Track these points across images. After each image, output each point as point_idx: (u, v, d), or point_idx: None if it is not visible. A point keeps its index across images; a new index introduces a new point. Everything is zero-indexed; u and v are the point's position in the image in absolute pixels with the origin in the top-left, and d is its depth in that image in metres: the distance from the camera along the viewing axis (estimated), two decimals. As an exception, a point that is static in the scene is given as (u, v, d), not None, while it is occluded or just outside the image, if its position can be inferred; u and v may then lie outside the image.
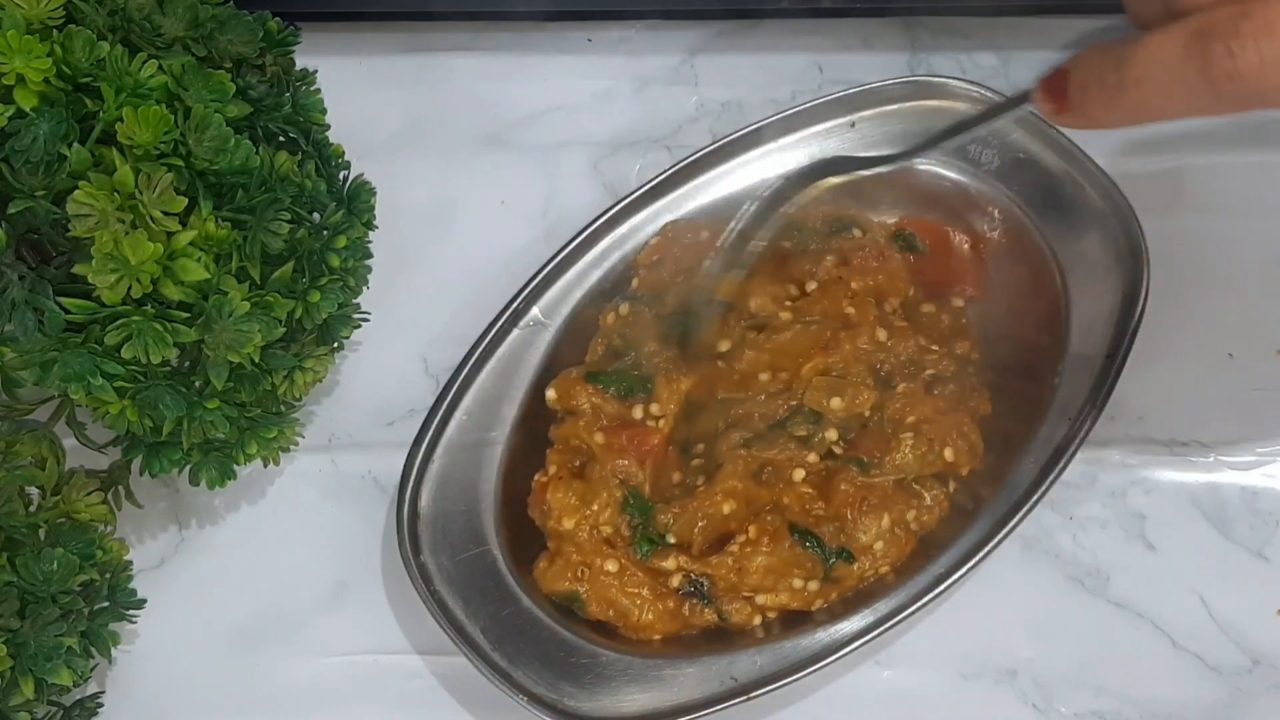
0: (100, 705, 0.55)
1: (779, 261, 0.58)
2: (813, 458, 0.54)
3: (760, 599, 0.53)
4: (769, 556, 0.53)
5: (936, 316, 0.58)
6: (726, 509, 0.53)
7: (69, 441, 0.54)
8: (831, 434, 0.54)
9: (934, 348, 0.56)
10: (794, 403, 0.55)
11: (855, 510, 0.53)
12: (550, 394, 0.57)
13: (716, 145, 0.61)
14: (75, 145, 0.47)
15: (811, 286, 0.58)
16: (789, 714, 0.55)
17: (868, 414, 0.55)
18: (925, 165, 0.60)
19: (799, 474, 0.54)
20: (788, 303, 0.57)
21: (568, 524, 0.54)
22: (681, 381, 0.56)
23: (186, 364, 0.52)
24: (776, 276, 0.58)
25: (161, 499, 0.60)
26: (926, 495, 0.54)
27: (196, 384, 0.51)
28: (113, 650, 0.52)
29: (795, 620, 0.54)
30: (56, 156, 0.47)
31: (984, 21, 0.66)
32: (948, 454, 0.54)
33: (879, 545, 0.53)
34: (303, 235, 0.53)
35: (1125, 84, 0.42)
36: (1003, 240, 0.59)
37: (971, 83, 0.60)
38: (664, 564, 0.53)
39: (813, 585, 0.53)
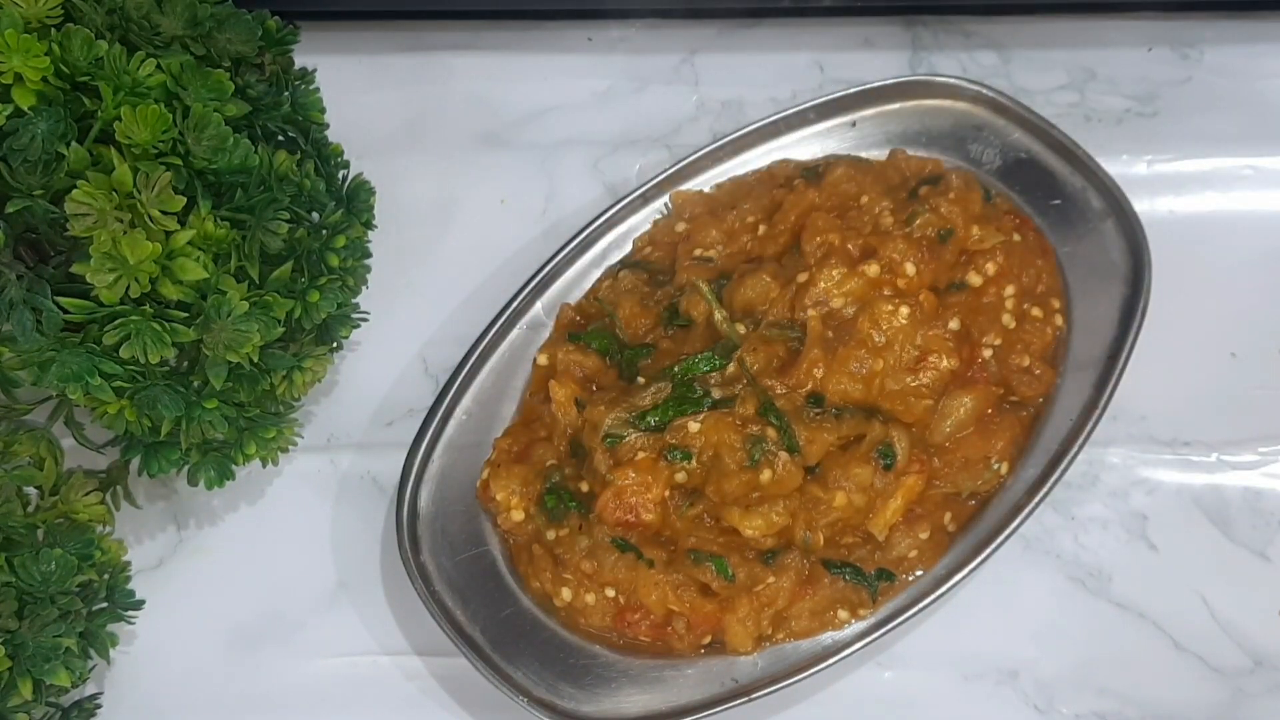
0: (99, 706, 0.55)
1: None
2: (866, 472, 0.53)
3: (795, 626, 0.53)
4: (811, 600, 0.53)
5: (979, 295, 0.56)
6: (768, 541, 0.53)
7: (67, 441, 0.54)
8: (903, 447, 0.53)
9: (996, 342, 0.55)
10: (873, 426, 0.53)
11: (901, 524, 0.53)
12: (542, 359, 0.58)
13: (717, 144, 0.61)
14: (73, 144, 0.47)
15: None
16: (790, 715, 0.55)
17: (947, 431, 0.54)
18: None
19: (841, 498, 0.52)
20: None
21: (516, 516, 0.54)
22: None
23: (185, 364, 0.52)
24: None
25: (160, 499, 0.59)
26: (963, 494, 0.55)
27: (195, 384, 0.51)
28: (111, 651, 0.52)
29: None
30: (54, 155, 0.47)
31: (985, 20, 0.66)
32: (1003, 469, 0.54)
33: (914, 553, 0.53)
34: (301, 235, 0.53)
35: None
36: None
37: (973, 82, 0.60)
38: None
39: (862, 612, 0.53)
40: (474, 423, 0.58)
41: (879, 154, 0.60)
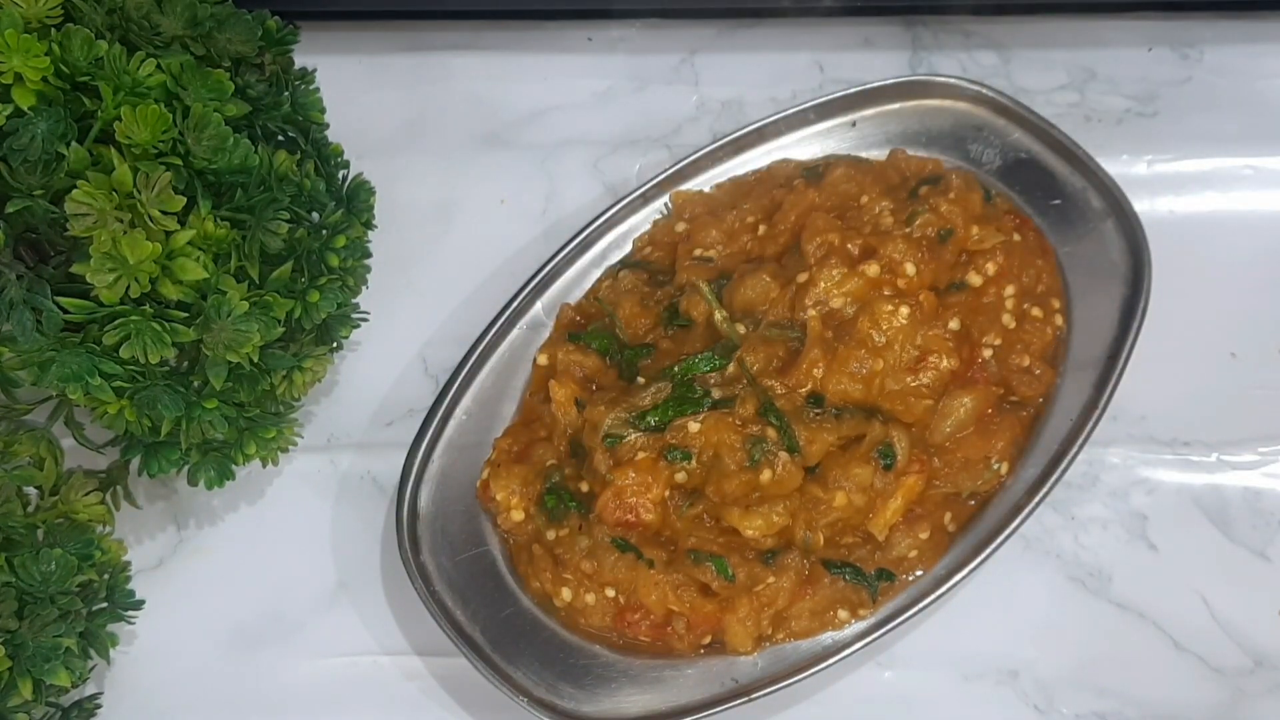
0: (99, 706, 0.55)
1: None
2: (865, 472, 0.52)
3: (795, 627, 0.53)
4: (811, 600, 0.53)
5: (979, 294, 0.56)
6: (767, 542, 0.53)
7: (67, 441, 0.54)
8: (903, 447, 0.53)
9: (996, 342, 0.55)
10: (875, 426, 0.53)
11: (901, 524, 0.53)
12: (542, 359, 0.58)
13: (717, 144, 0.61)
14: (73, 144, 0.47)
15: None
16: (790, 715, 0.55)
17: (948, 431, 0.54)
18: None
19: (841, 498, 0.52)
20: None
21: (516, 516, 0.54)
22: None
23: (185, 364, 0.52)
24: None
25: (160, 499, 0.59)
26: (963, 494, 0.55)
27: (195, 384, 0.51)
28: (111, 651, 0.52)
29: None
30: (54, 155, 0.47)
31: (985, 20, 0.66)
32: (1003, 469, 0.54)
33: (914, 553, 0.53)
34: (301, 235, 0.53)
35: None
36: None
37: (973, 82, 0.60)
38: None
39: (862, 612, 0.53)
40: (474, 423, 0.58)
41: (879, 154, 0.60)
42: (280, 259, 0.52)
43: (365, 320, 0.58)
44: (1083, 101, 0.65)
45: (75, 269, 0.46)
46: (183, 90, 0.49)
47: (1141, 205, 0.58)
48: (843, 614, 0.53)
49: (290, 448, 0.55)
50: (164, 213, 0.47)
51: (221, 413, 0.51)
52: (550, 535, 0.54)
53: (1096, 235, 0.58)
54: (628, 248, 0.61)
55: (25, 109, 0.46)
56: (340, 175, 0.58)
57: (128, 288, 0.46)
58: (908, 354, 0.53)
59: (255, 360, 0.50)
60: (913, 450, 0.52)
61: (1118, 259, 0.57)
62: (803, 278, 0.54)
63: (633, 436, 0.52)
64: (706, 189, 0.61)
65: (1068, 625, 0.56)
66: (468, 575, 0.55)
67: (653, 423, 0.53)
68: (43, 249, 0.51)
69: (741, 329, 0.54)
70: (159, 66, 0.48)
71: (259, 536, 0.59)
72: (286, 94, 0.55)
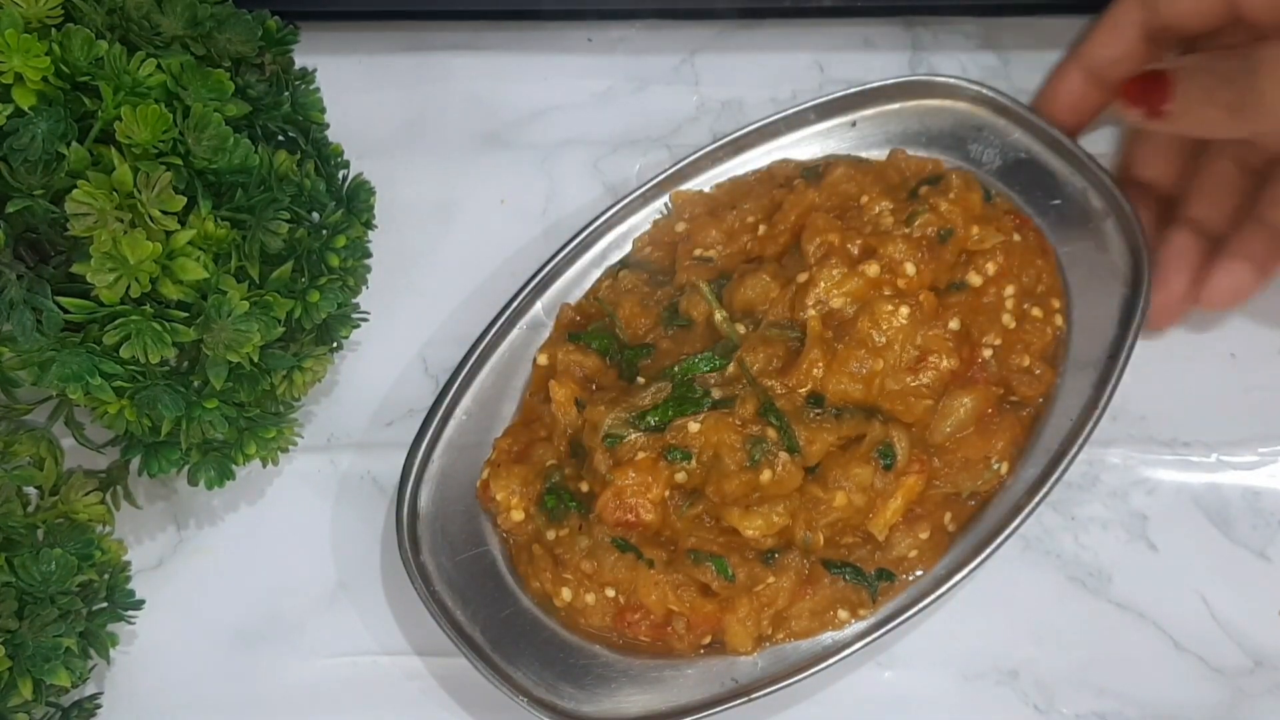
0: (99, 706, 0.55)
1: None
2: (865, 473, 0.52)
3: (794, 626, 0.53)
4: (811, 600, 0.53)
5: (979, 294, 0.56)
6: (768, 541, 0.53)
7: (67, 441, 0.54)
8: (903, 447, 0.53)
9: (996, 342, 0.55)
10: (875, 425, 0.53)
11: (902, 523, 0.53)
12: (542, 359, 0.58)
13: (717, 144, 0.61)
14: (74, 144, 0.47)
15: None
16: (790, 715, 0.55)
17: (948, 431, 0.54)
18: None
19: (841, 498, 0.52)
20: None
21: (516, 516, 0.55)
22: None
23: (185, 364, 0.52)
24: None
25: (160, 499, 0.59)
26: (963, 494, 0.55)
27: (195, 384, 0.51)
28: (111, 651, 0.52)
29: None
30: (55, 155, 0.47)
31: (985, 21, 0.66)
32: (1003, 469, 0.54)
33: (914, 553, 0.53)
34: (302, 235, 0.53)
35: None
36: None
37: (973, 82, 0.60)
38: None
39: (862, 612, 0.53)
40: (474, 423, 0.58)
41: (879, 154, 0.60)
42: (280, 259, 0.52)
43: (365, 320, 0.58)
44: (1083, 101, 0.65)
45: (75, 269, 0.46)
46: (183, 90, 0.49)
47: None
48: (843, 614, 0.53)
49: (290, 448, 0.55)
50: (164, 213, 0.47)
51: (221, 413, 0.51)
52: (550, 535, 0.54)
53: (1096, 235, 0.58)
54: (628, 248, 0.61)
55: (25, 109, 0.46)
56: (340, 175, 0.58)
57: (128, 288, 0.46)
58: (908, 354, 0.53)
59: (255, 360, 0.50)
60: (913, 450, 0.52)
61: (1118, 259, 0.57)
62: (803, 278, 0.54)
63: (633, 436, 0.52)
64: (706, 189, 0.61)
65: (1068, 625, 0.56)
66: (468, 575, 0.55)
67: (653, 423, 0.53)
68: (43, 249, 0.51)
69: (741, 329, 0.54)
70: (159, 66, 0.48)
71: (259, 536, 0.59)
72: (286, 94, 0.55)
